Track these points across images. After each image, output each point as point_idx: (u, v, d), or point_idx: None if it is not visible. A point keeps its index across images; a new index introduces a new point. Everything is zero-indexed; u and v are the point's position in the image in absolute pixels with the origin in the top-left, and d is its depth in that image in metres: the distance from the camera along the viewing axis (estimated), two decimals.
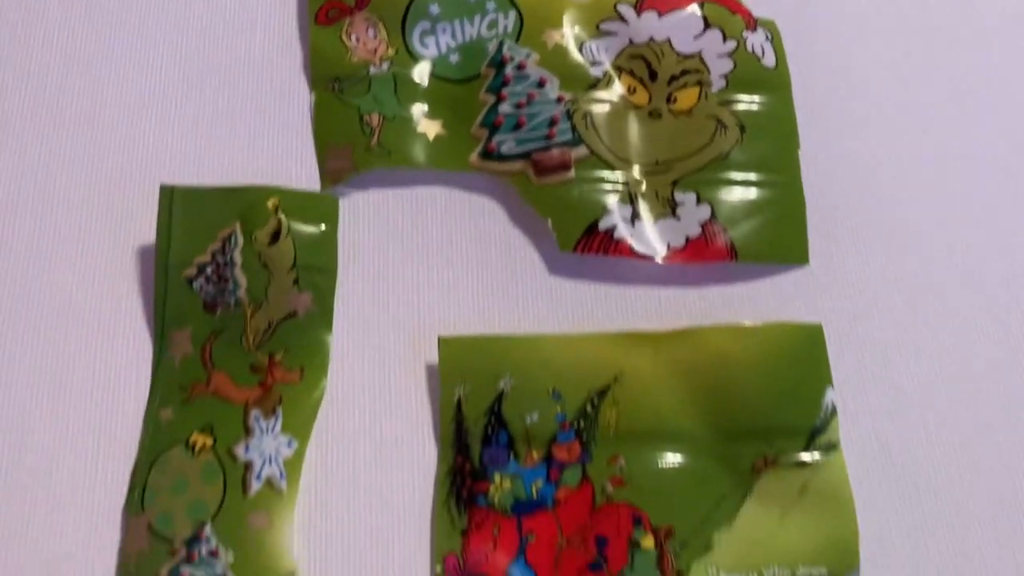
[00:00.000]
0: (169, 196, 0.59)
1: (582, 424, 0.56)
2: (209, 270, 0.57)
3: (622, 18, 0.65)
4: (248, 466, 0.53)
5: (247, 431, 0.54)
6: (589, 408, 0.56)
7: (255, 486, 0.53)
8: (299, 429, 0.55)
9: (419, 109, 0.63)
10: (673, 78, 0.64)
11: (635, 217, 0.61)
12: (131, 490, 0.54)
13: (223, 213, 0.58)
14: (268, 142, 0.63)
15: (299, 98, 0.64)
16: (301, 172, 0.62)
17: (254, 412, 0.55)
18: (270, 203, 0.58)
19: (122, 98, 0.63)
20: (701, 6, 0.66)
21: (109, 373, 0.57)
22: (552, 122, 0.62)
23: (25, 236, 0.60)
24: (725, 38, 0.65)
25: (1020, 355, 0.59)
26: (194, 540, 0.52)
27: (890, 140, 0.65)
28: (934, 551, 0.55)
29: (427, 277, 0.60)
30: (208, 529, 0.52)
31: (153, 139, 0.62)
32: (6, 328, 0.57)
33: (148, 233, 0.59)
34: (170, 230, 0.58)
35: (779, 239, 0.61)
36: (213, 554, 0.51)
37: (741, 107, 0.64)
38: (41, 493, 0.54)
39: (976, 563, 0.54)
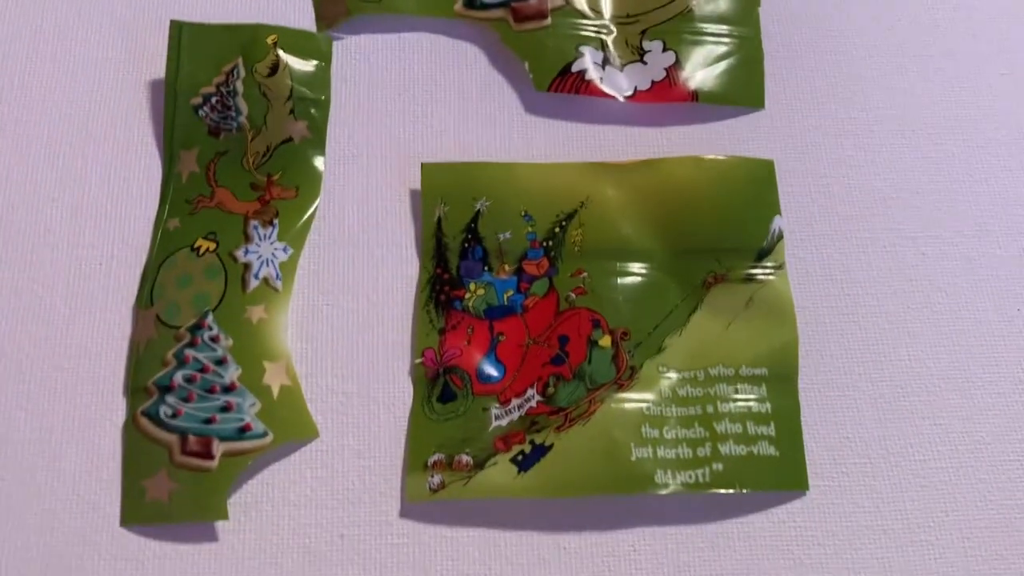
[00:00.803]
0: (178, 31, 0.63)
1: (550, 243, 0.60)
2: (214, 99, 0.62)
3: None
4: (247, 266, 0.58)
5: (247, 238, 0.59)
6: (557, 229, 0.61)
7: (253, 283, 0.57)
8: (294, 238, 0.59)
9: None
10: None
11: (606, 62, 0.65)
12: (141, 287, 0.58)
13: (227, 48, 0.62)
14: None
15: None
16: (299, 16, 0.66)
17: (253, 222, 0.59)
18: (270, 39, 0.62)
19: None
20: None
21: (123, 188, 0.61)
22: None
23: (48, 67, 0.64)
24: None
25: (954, 185, 0.63)
26: (197, 327, 0.56)
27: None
28: (867, 358, 0.59)
29: (412, 112, 0.64)
30: (210, 318, 0.56)
31: None
32: (30, 147, 0.61)
33: (159, 66, 0.63)
34: (179, 63, 0.62)
35: (738, 84, 0.65)
36: (214, 340, 0.56)
37: None
38: (60, 290, 0.58)
39: (907, 368, 0.59)
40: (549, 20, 0.66)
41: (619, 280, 0.60)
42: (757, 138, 0.64)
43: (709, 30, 0.66)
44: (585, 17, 0.66)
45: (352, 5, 0.65)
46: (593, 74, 0.64)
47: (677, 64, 0.65)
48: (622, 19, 0.66)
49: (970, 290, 0.61)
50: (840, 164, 0.64)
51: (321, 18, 0.66)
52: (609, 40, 0.65)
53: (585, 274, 0.59)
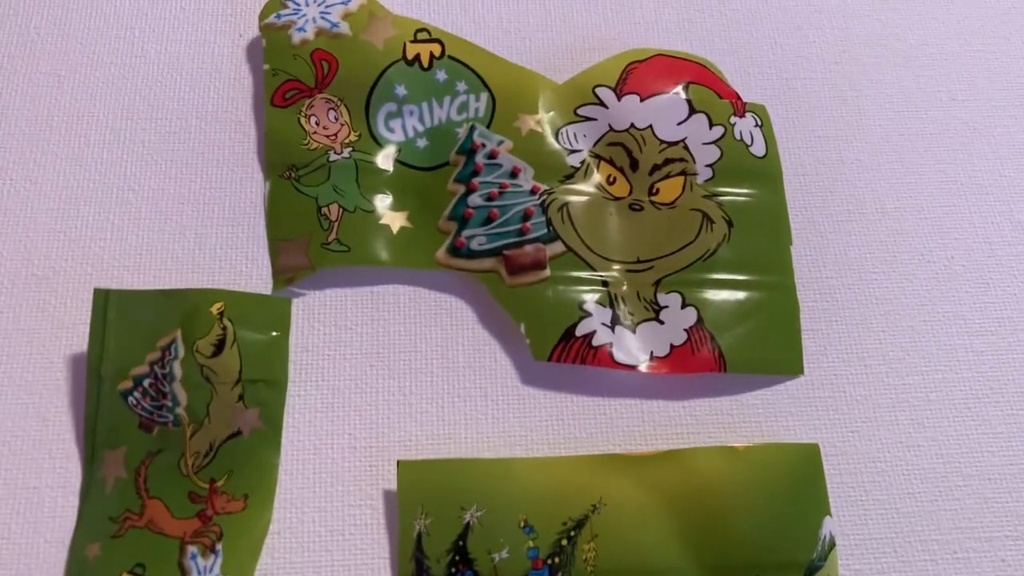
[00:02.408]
0: (103, 300, 0.50)
1: (557, 561, 0.47)
2: (146, 382, 0.49)
3: (601, 102, 0.57)
4: None
5: (183, 572, 0.45)
6: (564, 542, 0.48)
7: None
8: (241, 569, 0.46)
9: (382, 200, 0.54)
10: (655, 167, 0.56)
11: (615, 322, 0.52)
12: None
13: (163, 319, 0.49)
14: (216, 235, 0.54)
15: (251, 187, 0.55)
16: (251, 270, 0.53)
17: (191, 549, 0.46)
18: (214, 308, 0.49)
19: (55, 186, 0.54)
20: (686, 89, 0.57)
21: (32, 501, 0.48)
22: (526, 215, 0.54)
23: None
24: (711, 124, 0.57)
25: None
26: None
27: (891, 235, 0.56)
28: None
29: (387, 388, 0.51)
30: None
31: (88, 233, 0.53)
32: None
33: (81, 340, 0.49)
34: (104, 338, 0.50)
35: (771, 347, 0.53)
36: None
37: (729, 199, 0.56)
38: None
39: None
40: (547, 271, 0.53)
41: None
42: (796, 412, 0.52)
43: (734, 279, 0.54)
44: (589, 266, 0.53)
45: (316, 257, 0.52)
46: (603, 338, 0.51)
47: (699, 323, 0.52)
48: (632, 266, 0.54)
49: None
50: (895, 445, 0.52)
51: (278, 273, 0.53)
52: (619, 294, 0.53)
53: None
